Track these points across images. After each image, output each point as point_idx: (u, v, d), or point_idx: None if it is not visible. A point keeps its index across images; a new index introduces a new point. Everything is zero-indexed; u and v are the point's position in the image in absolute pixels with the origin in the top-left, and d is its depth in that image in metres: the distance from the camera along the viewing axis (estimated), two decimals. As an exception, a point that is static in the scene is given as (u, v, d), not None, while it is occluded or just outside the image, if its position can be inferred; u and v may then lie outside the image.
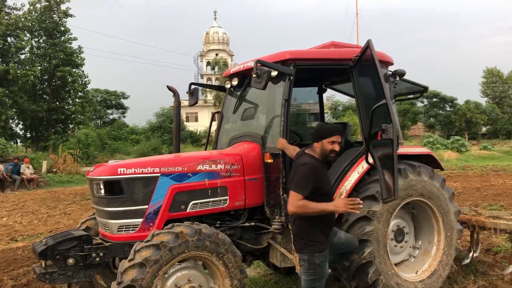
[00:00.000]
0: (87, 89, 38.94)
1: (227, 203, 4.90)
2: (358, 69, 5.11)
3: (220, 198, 4.86)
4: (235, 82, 5.80)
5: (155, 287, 3.86)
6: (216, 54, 67.45)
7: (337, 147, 4.18)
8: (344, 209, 3.90)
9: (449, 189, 5.69)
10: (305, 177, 3.96)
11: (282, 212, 4.88)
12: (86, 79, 38.20)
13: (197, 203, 4.73)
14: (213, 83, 45.58)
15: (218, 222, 4.94)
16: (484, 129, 69.90)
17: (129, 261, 3.88)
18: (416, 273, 5.44)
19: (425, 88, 6.23)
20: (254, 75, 4.60)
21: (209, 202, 4.80)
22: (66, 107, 37.74)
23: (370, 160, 4.86)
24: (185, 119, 61.26)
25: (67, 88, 37.44)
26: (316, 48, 5.78)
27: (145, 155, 33.41)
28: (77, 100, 37.87)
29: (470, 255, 6.38)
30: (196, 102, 5.98)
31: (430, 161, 5.75)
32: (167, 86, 5.78)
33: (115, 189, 4.45)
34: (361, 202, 3.94)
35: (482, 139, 62.12)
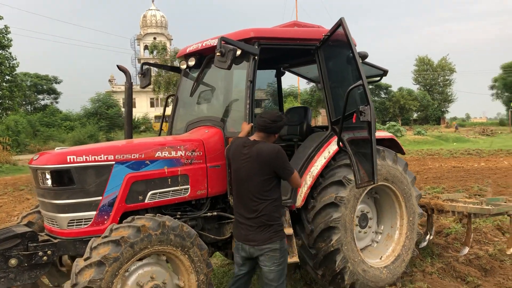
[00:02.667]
0: (15, 72, 36.35)
1: (189, 192, 4.55)
2: (325, 49, 4.89)
3: (181, 187, 4.50)
4: (191, 62, 5.41)
5: (115, 287, 3.47)
6: (154, 38, 65.48)
7: None
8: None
9: (411, 173, 5.66)
10: (286, 159, 3.86)
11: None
12: (14, 61, 35.65)
13: (156, 193, 4.35)
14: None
15: (179, 213, 4.59)
16: (415, 115, 73.19)
17: (85, 260, 3.44)
18: (380, 258, 5.38)
19: (385, 71, 6.15)
20: (218, 54, 4.25)
21: (169, 191, 4.43)
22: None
23: (341, 145, 4.68)
24: (122, 105, 59.21)
25: (-7, 71, 34.80)
26: (280, 27, 5.49)
27: (82, 143, 31.91)
28: (4, 84, 35.31)
29: (427, 238, 6.44)
30: (149, 84, 5.52)
31: (391, 145, 5.69)
32: (118, 66, 5.27)
33: (64, 179, 3.97)
34: None
35: (414, 124, 65.12)
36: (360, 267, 4.95)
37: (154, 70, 37.47)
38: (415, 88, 74.85)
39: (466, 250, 6.10)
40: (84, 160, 4.02)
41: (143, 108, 63.67)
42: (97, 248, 3.47)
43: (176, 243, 3.79)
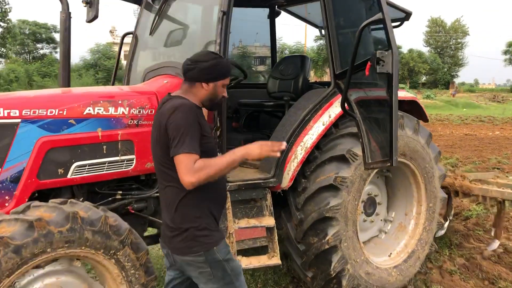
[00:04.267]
0: (8, 17, 34.63)
1: (133, 164, 3.31)
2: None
3: (122, 157, 3.25)
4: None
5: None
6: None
7: (226, 93, 2.61)
8: (267, 153, 2.31)
9: (435, 147, 4.39)
10: (186, 126, 2.29)
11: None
12: (6, 6, 33.86)
13: (84, 166, 3.11)
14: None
15: (120, 192, 3.37)
16: (424, 78, 70.97)
17: None
18: (389, 256, 4.18)
19: (408, 14, 4.74)
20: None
21: (104, 163, 3.19)
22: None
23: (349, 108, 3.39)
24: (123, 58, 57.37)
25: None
26: None
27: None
28: (-5, 31, 33.73)
29: (446, 224, 5.22)
30: (96, 17, 4.16)
31: (412, 109, 4.38)
32: (51, -10, 3.92)
33: None
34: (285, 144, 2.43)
35: (422, 88, 63.08)
36: (363, 269, 3.76)
37: None
38: (425, 50, 72.34)
39: (496, 244, 4.90)
40: (-28, 115, 2.77)
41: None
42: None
43: (96, 244, 2.57)
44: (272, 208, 3.57)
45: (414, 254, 4.19)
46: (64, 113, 3.04)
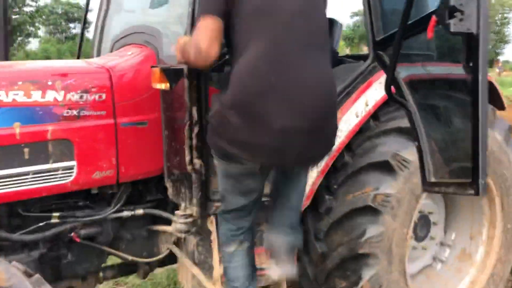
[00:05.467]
0: (37, -4, 34.30)
1: (74, 174, 2.24)
2: None
3: (55, 164, 2.20)
4: None
5: None
6: None
7: None
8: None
9: (515, 145, 3.13)
10: None
11: (193, 193, 2.27)
12: (35, -15, 33.50)
13: (-6, 178, 2.08)
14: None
15: (56, 215, 2.32)
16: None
17: None
18: (448, 298, 3.01)
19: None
20: None
21: (26, 174, 2.14)
22: (13, 17, 33.25)
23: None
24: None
25: (11, -4, 32.76)
26: None
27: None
28: (24, 9, 33.33)
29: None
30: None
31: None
32: None
33: None
34: None
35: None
36: (412, 324, 2.62)
37: None
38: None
39: None
40: None
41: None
42: None
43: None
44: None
45: (483, 295, 3.01)
46: (-43, 100, 2.00)
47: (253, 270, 2.28)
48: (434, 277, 3.19)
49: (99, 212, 2.41)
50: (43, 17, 42.08)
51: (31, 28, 34.11)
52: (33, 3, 34.06)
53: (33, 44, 41.90)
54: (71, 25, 62.27)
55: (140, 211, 2.49)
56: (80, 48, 3.36)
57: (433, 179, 1.92)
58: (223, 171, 2.12)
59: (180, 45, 1.99)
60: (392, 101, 2.21)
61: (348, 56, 3.83)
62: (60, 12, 56.80)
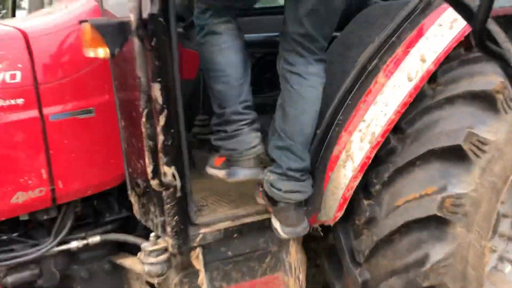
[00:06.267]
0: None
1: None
2: None
3: None
4: None
5: None
6: None
7: None
8: None
9: None
10: None
11: (165, 217, 1.48)
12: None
13: None
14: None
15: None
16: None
17: None
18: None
19: None
20: None
21: None
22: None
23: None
24: None
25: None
26: None
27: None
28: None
29: None
30: None
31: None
32: None
33: None
34: None
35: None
36: None
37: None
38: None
39: None
40: None
41: None
42: None
43: None
44: (299, 263, 1.68)
45: None
46: None
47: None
48: (501, 283, 2.43)
49: (33, 247, 1.65)
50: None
51: None
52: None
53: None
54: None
55: (95, 238, 1.73)
56: (14, 3, 2.45)
57: None
58: None
59: None
60: (483, 49, 1.36)
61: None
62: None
